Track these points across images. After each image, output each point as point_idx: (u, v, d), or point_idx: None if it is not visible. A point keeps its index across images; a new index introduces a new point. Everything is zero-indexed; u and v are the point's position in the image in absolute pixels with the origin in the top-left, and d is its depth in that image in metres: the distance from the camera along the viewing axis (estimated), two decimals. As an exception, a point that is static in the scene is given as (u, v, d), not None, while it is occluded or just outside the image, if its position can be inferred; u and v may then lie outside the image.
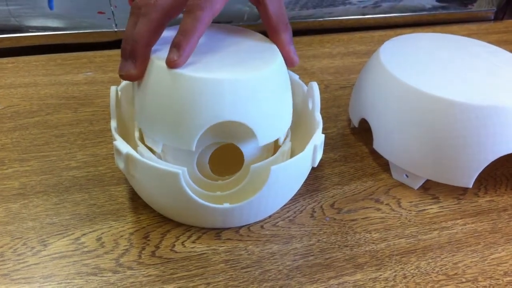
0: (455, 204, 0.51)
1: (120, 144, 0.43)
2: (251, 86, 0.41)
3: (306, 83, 0.51)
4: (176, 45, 0.41)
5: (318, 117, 0.48)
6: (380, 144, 0.53)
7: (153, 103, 0.42)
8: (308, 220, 0.48)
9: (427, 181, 0.51)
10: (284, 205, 0.49)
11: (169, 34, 0.43)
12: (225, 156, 0.48)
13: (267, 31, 0.47)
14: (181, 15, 0.43)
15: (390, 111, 0.51)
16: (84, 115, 0.60)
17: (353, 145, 0.58)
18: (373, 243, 0.46)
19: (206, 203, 0.42)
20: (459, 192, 0.52)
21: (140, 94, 0.44)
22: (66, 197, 0.48)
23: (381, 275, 0.43)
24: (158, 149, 0.44)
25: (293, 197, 0.49)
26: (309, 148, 0.44)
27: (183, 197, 0.42)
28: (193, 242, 0.45)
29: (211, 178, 0.47)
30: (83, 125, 0.59)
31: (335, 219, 0.48)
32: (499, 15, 0.96)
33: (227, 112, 0.41)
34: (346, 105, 0.63)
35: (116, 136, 0.44)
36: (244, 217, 0.45)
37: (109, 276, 0.41)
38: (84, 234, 0.45)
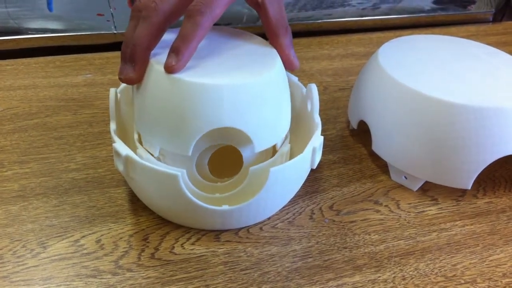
0: (454, 206, 0.51)
1: (119, 146, 0.43)
2: (249, 92, 0.41)
3: (305, 85, 0.51)
4: (174, 50, 0.41)
5: (317, 119, 0.48)
6: (379, 146, 0.53)
7: (151, 107, 0.43)
8: (307, 222, 0.48)
9: (426, 182, 0.51)
10: (283, 207, 0.49)
11: (169, 37, 0.43)
12: (224, 158, 0.48)
13: (267, 35, 0.47)
14: (182, 18, 0.43)
15: (388, 113, 0.51)
16: (83, 117, 0.60)
17: (352, 147, 0.58)
18: (372, 244, 0.46)
19: (205, 205, 0.42)
20: (458, 193, 0.52)
21: (138, 97, 0.44)
22: (66, 199, 0.49)
23: (380, 276, 0.43)
24: (155, 153, 0.44)
25: (292, 199, 0.49)
26: (308, 150, 0.44)
27: (182, 199, 0.42)
28: (192, 244, 0.45)
29: (210, 180, 0.47)
30: (83, 127, 0.59)
31: (334, 221, 0.48)
32: (498, 17, 0.96)
33: (224, 118, 0.41)
34: (345, 106, 0.63)
35: (116, 138, 0.44)
36: (243, 219, 0.45)
37: (109, 278, 0.41)
38: (83, 236, 0.45)
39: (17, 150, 0.54)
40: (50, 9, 0.75)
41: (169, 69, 0.41)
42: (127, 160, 0.42)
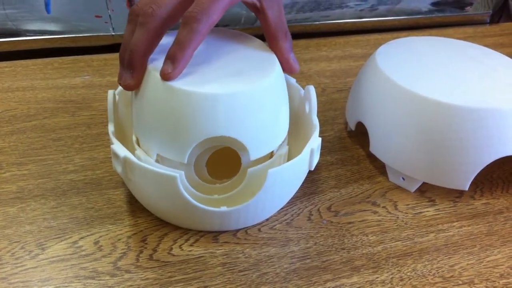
0: (451, 207, 0.51)
1: (118, 147, 0.43)
2: (245, 100, 0.41)
3: (303, 86, 0.51)
4: (170, 57, 0.41)
5: (315, 121, 0.48)
6: (377, 147, 0.53)
7: (148, 113, 0.43)
8: (305, 223, 0.48)
9: (424, 184, 0.52)
10: (281, 208, 0.49)
11: (168, 40, 0.43)
12: (223, 159, 0.48)
13: (266, 39, 0.47)
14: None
15: (386, 114, 0.51)
16: (81, 118, 0.60)
17: (350, 148, 0.58)
18: (370, 245, 0.46)
19: (204, 206, 0.42)
20: (455, 194, 0.52)
21: (137, 102, 0.44)
22: (64, 201, 0.49)
23: (377, 277, 0.43)
24: (152, 157, 0.44)
25: (290, 200, 0.49)
26: (305, 151, 0.44)
27: (180, 200, 0.42)
28: (191, 245, 0.45)
29: (208, 181, 0.47)
30: (81, 128, 0.59)
31: (332, 222, 0.48)
32: (495, 18, 0.97)
33: (219, 127, 0.41)
34: (343, 108, 0.63)
35: (114, 139, 0.44)
36: (241, 220, 0.46)
37: (107, 279, 0.42)
38: (81, 238, 0.45)
39: (15, 151, 0.54)
40: (48, 11, 0.75)
41: (165, 76, 0.41)
42: (125, 161, 0.42)
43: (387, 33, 0.87)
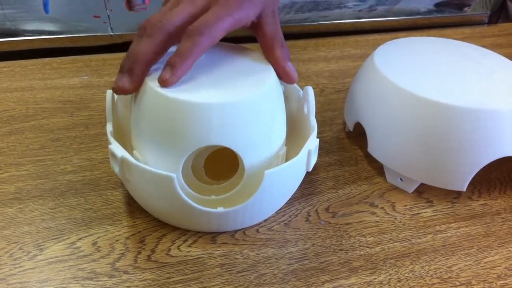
0: (449, 208, 0.51)
1: (115, 147, 0.43)
2: (239, 110, 0.41)
3: (302, 87, 0.51)
4: (170, 65, 0.41)
5: (313, 122, 0.48)
6: (375, 148, 0.53)
7: (143, 121, 0.43)
8: (303, 224, 0.48)
9: (421, 184, 0.52)
10: (279, 209, 0.49)
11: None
12: (220, 159, 0.48)
13: (263, 50, 0.47)
14: None
15: (384, 115, 0.51)
16: (80, 119, 0.60)
17: (348, 149, 0.58)
18: (368, 246, 0.46)
19: (201, 207, 0.42)
20: (453, 195, 0.52)
21: (134, 110, 0.44)
22: (62, 202, 0.49)
23: (375, 278, 0.43)
24: (149, 162, 0.44)
25: (288, 201, 0.49)
26: (303, 152, 0.44)
27: (177, 201, 0.42)
28: (189, 246, 0.45)
29: (206, 182, 0.47)
30: (79, 129, 0.59)
31: (330, 223, 0.48)
32: (493, 19, 0.97)
33: (213, 137, 0.41)
34: (341, 108, 0.63)
35: (112, 139, 0.44)
36: (239, 221, 0.46)
37: (105, 280, 0.42)
38: (80, 239, 0.45)
39: (14, 152, 0.54)
40: (46, 11, 0.75)
41: (163, 82, 0.41)
42: (122, 161, 0.42)
43: (385, 33, 0.87)
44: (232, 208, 0.43)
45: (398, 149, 0.51)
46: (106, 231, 0.46)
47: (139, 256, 0.44)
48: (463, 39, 0.65)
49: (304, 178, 0.48)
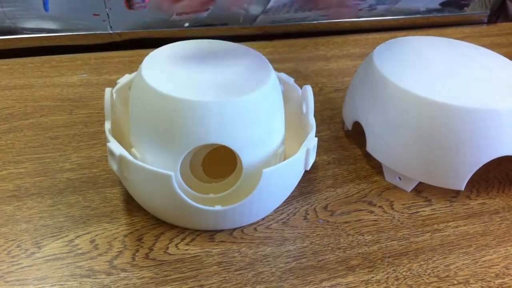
0: (447, 207, 0.51)
1: (114, 145, 0.43)
2: (237, 109, 0.42)
3: (301, 85, 0.51)
4: None
5: (312, 121, 0.48)
6: (373, 146, 0.53)
7: (141, 120, 0.43)
8: (301, 223, 0.48)
9: (420, 183, 0.52)
10: (278, 207, 0.49)
11: (169, 50, 0.43)
12: (219, 157, 0.48)
13: None
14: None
15: (383, 114, 0.51)
16: (78, 117, 0.60)
17: (346, 147, 0.58)
18: (366, 245, 0.46)
19: (198, 205, 0.42)
20: (451, 194, 0.52)
21: (133, 108, 0.44)
22: (60, 199, 0.49)
23: (373, 277, 0.43)
24: (148, 160, 0.44)
25: (286, 199, 0.49)
26: (301, 151, 0.44)
27: (175, 199, 0.42)
28: (187, 244, 0.45)
29: (204, 180, 0.47)
30: (78, 127, 0.59)
31: (328, 221, 0.48)
32: (493, 18, 0.97)
33: (211, 135, 0.41)
34: (340, 107, 0.63)
35: (110, 137, 0.44)
36: (237, 220, 0.46)
37: (103, 278, 0.42)
38: (78, 236, 0.45)
39: (12, 150, 0.54)
40: (46, 9, 0.75)
41: None
42: (121, 159, 0.42)
43: (385, 32, 0.87)
44: (230, 206, 0.43)
45: (396, 148, 0.51)
46: (104, 229, 0.46)
47: (137, 254, 0.44)
48: (462, 38, 0.65)
49: (303, 176, 0.48)
